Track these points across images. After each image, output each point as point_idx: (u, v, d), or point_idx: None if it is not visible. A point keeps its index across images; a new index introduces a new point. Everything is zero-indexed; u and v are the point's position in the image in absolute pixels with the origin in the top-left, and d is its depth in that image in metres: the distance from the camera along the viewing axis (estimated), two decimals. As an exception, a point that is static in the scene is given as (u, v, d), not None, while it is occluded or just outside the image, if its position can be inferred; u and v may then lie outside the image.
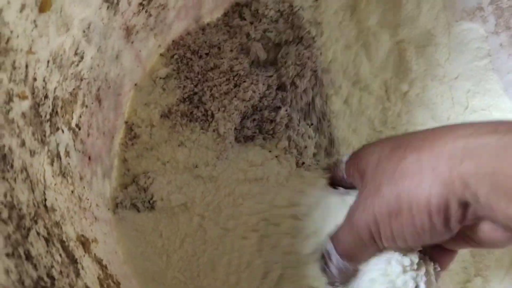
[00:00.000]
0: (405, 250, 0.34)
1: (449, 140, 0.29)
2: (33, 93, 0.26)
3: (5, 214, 0.21)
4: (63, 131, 0.30)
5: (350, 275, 0.36)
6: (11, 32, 0.24)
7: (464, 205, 0.28)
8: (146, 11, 0.38)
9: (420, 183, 0.29)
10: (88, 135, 0.34)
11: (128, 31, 0.37)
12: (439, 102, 0.46)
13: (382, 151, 0.34)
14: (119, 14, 0.34)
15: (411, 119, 0.47)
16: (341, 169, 0.39)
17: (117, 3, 0.33)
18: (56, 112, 0.29)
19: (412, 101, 0.47)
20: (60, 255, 0.25)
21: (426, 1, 0.44)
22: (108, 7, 0.33)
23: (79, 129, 0.33)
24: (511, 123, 0.28)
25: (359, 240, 0.34)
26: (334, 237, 0.36)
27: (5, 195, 0.22)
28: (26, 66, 0.25)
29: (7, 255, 0.20)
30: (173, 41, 0.43)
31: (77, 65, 0.31)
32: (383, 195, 0.31)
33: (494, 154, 0.26)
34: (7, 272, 0.20)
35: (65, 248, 0.26)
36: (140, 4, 0.36)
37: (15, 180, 0.23)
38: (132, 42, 0.38)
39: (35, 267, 0.22)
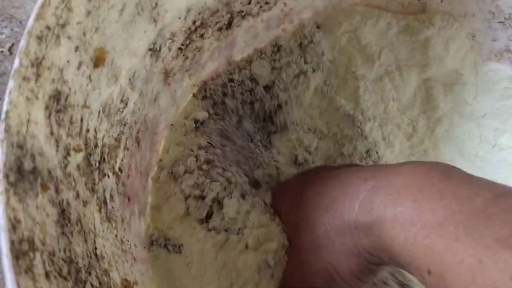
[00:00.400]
0: None
1: (349, 210, 0.32)
2: (85, 145, 0.27)
3: (65, 270, 0.22)
4: (108, 176, 0.31)
5: None
6: (69, 89, 0.25)
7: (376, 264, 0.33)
8: (183, 55, 0.39)
9: (338, 258, 0.33)
10: (128, 176, 0.35)
11: (167, 74, 0.38)
12: (466, 139, 0.47)
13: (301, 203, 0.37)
14: (160, 60, 0.36)
15: (439, 155, 0.47)
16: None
17: (159, 50, 0.35)
18: (104, 159, 0.30)
19: (440, 138, 0.47)
20: (110, 303, 0.26)
21: (454, 42, 0.45)
22: (151, 55, 0.34)
23: (121, 172, 0.34)
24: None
25: None
26: None
27: (65, 251, 0.22)
28: (81, 120, 0.26)
29: (69, 311, 0.21)
30: (204, 82, 0.44)
31: (122, 111, 0.32)
32: (313, 267, 0.35)
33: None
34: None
35: (113, 295, 0.27)
36: (179, 48, 0.38)
37: (72, 233, 0.24)
38: (169, 84, 0.39)
39: (92, 320, 0.23)
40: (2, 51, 0.74)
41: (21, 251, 0.18)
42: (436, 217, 0.25)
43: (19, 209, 0.19)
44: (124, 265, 0.31)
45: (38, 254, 0.19)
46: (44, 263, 0.20)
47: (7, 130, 0.19)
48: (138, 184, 0.38)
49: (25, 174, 0.20)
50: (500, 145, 0.46)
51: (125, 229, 0.34)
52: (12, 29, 0.75)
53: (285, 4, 0.43)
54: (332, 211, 0.34)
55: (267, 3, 0.42)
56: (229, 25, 0.40)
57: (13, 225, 0.18)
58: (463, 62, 0.45)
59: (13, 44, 0.74)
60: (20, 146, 0.20)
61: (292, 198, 0.39)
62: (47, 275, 0.20)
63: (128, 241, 0.34)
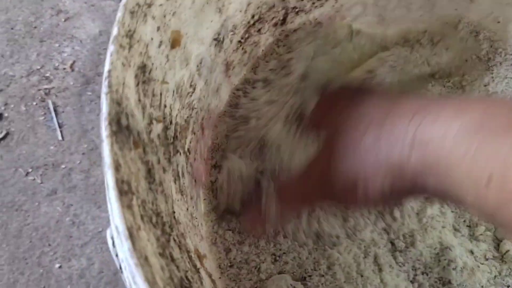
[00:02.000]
0: None
1: (405, 126, 0.30)
2: (164, 118, 0.30)
3: (154, 219, 0.24)
4: (180, 153, 0.33)
5: None
6: (152, 64, 0.28)
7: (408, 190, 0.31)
8: (242, 48, 0.42)
9: (375, 172, 0.31)
10: (195, 159, 0.38)
11: (228, 66, 0.41)
12: None
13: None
14: (223, 51, 0.38)
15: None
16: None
17: (222, 41, 0.38)
18: (176, 136, 0.33)
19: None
20: (188, 262, 0.28)
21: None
22: (215, 45, 0.37)
23: (189, 153, 0.36)
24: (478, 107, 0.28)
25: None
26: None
27: (152, 203, 0.25)
28: (160, 94, 0.29)
29: (160, 254, 0.23)
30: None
31: (191, 95, 0.35)
32: (341, 174, 0.34)
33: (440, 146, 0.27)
34: (162, 269, 0.22)
35: (190, 257, 0.29)
36: (239, 42, 0.40)
37: (156, 191, 0.26)
38: (230, 76, 0.42)
39: (177, 268, 0.24)
40: (64, 68, 0.80)
41: (123, 190, 0.20)
42: (503, 123, 0.25)
43: (120, 155, 0.21)
44: (195, 237, 0.33)
45: (134, 197, 0.22)
46: (139, 206, 0.22)
47: (109, 86, 0.22)
48: (202, 170, 0.40)
49: (122, 128, 0.23)
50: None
51: (193, 206, 0.36)
52: (73, 48, 0.82)
53: (336, 0, 0.45)
54: (389, 123, 0.32)
55: (319, -1, 0.44)
56: (283, 21, 0.43)
57: (116, 166, 0.21)
58: None
59: (74, 62, 0.80)
60: (118, 103, 0.23)
61: (343, 103, 0.37)
62: (141, 217, 0.22)
63: (196, 218, 0.36)
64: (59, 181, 0.73)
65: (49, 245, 0.69)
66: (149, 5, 0.26)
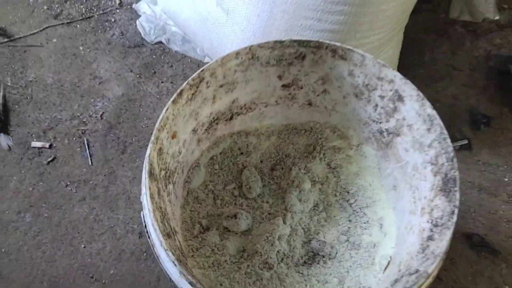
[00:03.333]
0: None
1: None
2: (165, 168, 0.68)
3: (159, 210, 0.62)
4: (171, 183, 0.72)
5: None
6: (164, 147, 0.67)
7: None
8: (208, 132, 0.81)
9: None
10: (178, 186, 0.76)
11: (199, 141, 0.80)
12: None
13: None
14: (196, 135, 0.78)
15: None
16: None
17: (196, 131, 0.77)
18: (169, 176, 0.71)
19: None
20: (168, 224, 0.66)
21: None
22: (193, 133, 0.76)
23: (175, 183, 0.74)
24: None
25: None
26: None
27: (158, 203, 0.63)
28: (166, 159, 0.68)
29: (160, 218, 0.61)
30: (212, 144, 0.86)
31: (178, 156, 0.74)
32: None
33: None
34: (161, 222, 0.60)
35: (170, 225, 0.67)
36: (206, 130, 0.79)
37: (162, 198, 0.64)
38: (200, 145, 0.81)
39: (167, 219, 0.63)
40: (96, 116, 1.18)
41: (152, 197, 0.59)
42: None
43: (149, 183, 0.60)
44: (174, 221, 0.71)
45: (154, 200, 0.60)
46: (156, 203, 0.60)
47: (149, 160, 0.60)
48: (179, 193, 0.79)
49: (151, 174, 0.61)
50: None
51: (173, 206, 0.74)
52: (103, 103, 1.20)
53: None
54: None
55: (249, 108, 0.84)
56: (230, 118, 0.83)
57: (149, 187, 0.59)
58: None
59: (103, 113, 1.19)
60: (151, 164, 0.61)
61: None
62: (156, 206, 0.60)
63: (174, 213, 0.74)
64: (87, 192, 1.10)
65: (78, 232, 1.05)
66: (164, 125, 0.65)
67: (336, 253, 0.81)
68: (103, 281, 1.01)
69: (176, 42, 1.23)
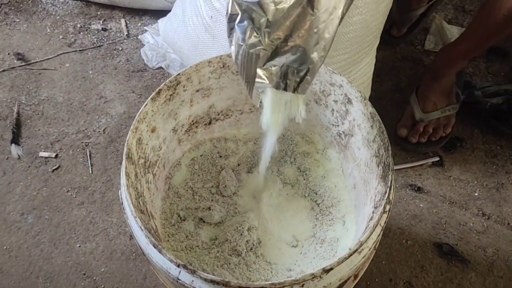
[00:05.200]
0: None
1: None
2: (144, 157, 0.79)
3: (135, 190, 0.72)
4: (150, 173, 0.82)
5: None
6: (143, 138, 0.77)
7: None
8: (188, 134, 0.91)
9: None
10: (158, 179, 0.86)
11: (179, 141, 0.90)
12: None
13: None
14: (176, 134, 0.88)
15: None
16: None
17: (176, 131, 0.88)
18: (149, 166, 0.81)
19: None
20: (146, 209, 0.75)
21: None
22: (173, 132, 0.86)
23: (155, 175, 0.84)
24: None
25: None
26: None
27: (134, 184, 0.73)
28: (145, 149, 0.78)
29: (136, 198, 0.71)
30: (193, 146, 0.96)
31: (159, 151, 0.84)
32: None
33: None
34: (136, 199, 0.70)
35: (146, 206, 0.76)
36: (186, 131, 0.90)
37: (139, 181, 0.74)
38: (181, 145, 0.92)
39: (143, 199, 0.72)
40: (99, 131, 1.31)
41: (128, 177, 0.69)
42: None
43: (127, 166, 0.70)
44: (151, 204, 0.81)
45: (130, 180, 0.70)
46: (132, 183, 0.70)
47: (128, 145, 0.71)
48: (160, 186, 0.89)
49: (129, 158, 0.72)
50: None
51: (152, 195, 0.83)
52: (106, 120, 1.33)
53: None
54: None
55: (226, 114, 0.95)
56: (209, 123, 0.94)
57: (126, 166, 0.69)
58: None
59: (106, 128, 1.31)
60: (129, 149, 0.72)
61: None
62: (131, 185, 0.70)
63: (152, 201, 0.83)
64: (86, 197, 1.20)
65: (75, 233, 1.15)
66: (144, 118, 0.76)
67: (303, 246, 0.89)
68: (94, 278, 1.09)
69: (175, 67, 1.37)
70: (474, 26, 1.10)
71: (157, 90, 0.76)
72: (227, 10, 0.51)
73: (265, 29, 0.50)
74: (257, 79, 0.55)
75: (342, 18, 0.52)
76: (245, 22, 0.50)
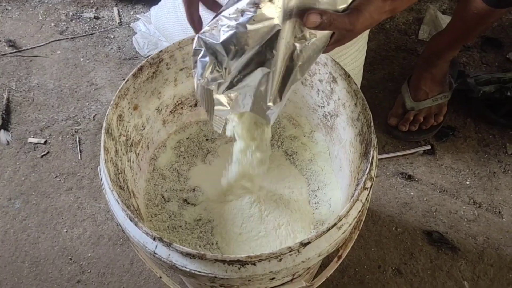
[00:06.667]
0: None
1: None
2: (126, 135, 0.78)
3: (115, 168, 0.71)
4: (133, 152, 0.81)
5: None
6: (124, 115, 0.76)
7: None
8: (173, 115, 0.91)
9: None
10: (142, 158, 0.85)
11: (164, 122, 0.90)
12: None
13: None
14: (161, 115, 0.87)
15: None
16: None
17: (160, 110, 0.87)
18: (131, 144, 0.80)
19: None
20: (127, 186, 0.75)
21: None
22: (157, 112, 0.86)
23: (138, 155, 0.83)
24: None
25: None
26: None
27: (113, 160, 0.72)
28: (126, 126, 0.77)
29: (115, 175, 0.70)
30: (179, 128, 0.95)
31: (142, 131, 0.83)
32: None
33: None
34: (115, 175, 0.69)
35: (128, 185, 0.75)
36: (171, 111, 0.89)
37: (120, 158, 0.74)
38: (166, 126, 0.91)
39: (124, 178, 0.71)
40: (89, 118, 1.30)
41: (107, 152, 0.68)
42: None
43: (106, 141, 0.69)
44: (134, 183, 0.80)
45: (109, 155, 0.69)
46: (111, 159, 0.69)
47: (107, 120, 0.70)
48: (144, 167, 0.88)
49: (109, 133, 0.71)
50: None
51: (135, 175, 0.82)
52: (96, 107, 1.32)
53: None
54: None
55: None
56: (195, 104, 0.93)
57: (104, 141, 0.69)
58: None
59: (95, 115, 1.30)
60: (109, 124, 0.71)
61: None
62: (109, 161, 0.69)
63: (135, 181, 0.82)
64: (74, 183, 1.19)
65: (62, 218, 1.14)
66: (125, 95, 0.76)
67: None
68: (81, 263, 1.08)
69: (166, 55, 1.36)
70: (454, 19, 1.13)
71: (138, 66, 0.75)
72: (193, 44, 0.53)
73: (226, 66, 0.52)
74: (217, 107, 0.58)
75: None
76: (207, 58, 0.52)
